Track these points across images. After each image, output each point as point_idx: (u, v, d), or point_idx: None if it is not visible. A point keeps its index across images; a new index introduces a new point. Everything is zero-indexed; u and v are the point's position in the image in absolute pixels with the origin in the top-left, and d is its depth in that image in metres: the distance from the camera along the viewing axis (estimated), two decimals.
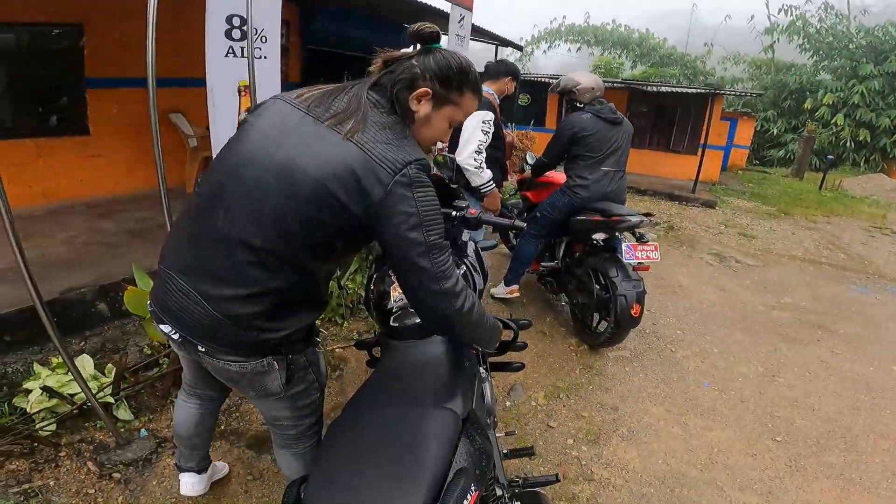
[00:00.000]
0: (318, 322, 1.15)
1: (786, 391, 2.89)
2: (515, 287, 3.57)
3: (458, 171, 2.49)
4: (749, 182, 10.65)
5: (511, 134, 5.19)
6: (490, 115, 2.48)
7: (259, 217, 0.91)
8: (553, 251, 3.51)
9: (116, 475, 1.89)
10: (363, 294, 2.16)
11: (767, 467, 2.24)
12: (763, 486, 2.13)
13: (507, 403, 2.67)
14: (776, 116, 15.87)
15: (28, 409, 2.05)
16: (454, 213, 1.48)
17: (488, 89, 2.70)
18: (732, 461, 2.26)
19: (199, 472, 1.65)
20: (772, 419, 2.60)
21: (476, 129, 2.39)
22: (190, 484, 1.64)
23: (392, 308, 1.44)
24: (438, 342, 1.30)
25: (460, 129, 2.44)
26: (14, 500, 1.68)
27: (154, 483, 1.89)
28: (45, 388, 2.06)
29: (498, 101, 2.82)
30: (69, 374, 1.86)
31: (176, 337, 1.07)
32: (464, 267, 1.49)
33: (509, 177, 3.54)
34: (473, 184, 2.58)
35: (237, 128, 1.05)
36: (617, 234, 2.91)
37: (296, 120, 0.95)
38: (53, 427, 2.02)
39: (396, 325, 1.42)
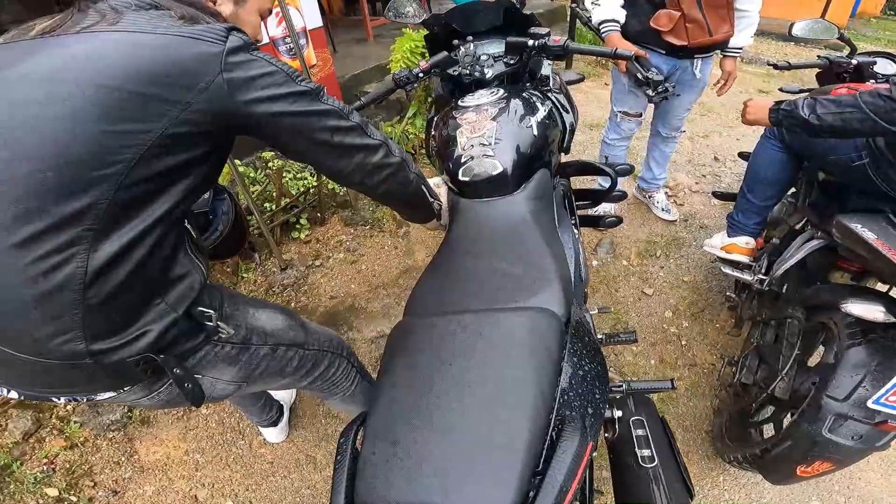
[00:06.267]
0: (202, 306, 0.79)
1: None
2: (745, 240, 1.71)
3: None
4: (885, 30, 8.87)
5: None
6: None
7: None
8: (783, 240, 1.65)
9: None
10: (424, 140, 1.92)
11: None
12: None
13: (594, 262, 2.33)
14: None
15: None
16: (531, 41, 1.20)
17: None
18: None
19: (272, 424, 1.61)
20: None
21: None
22: (272, 435, 1.66)
23: (461, 157, 1.08)
24: (522, 200, 0.98)
25: None
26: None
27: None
28: None
29: None
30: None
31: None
32: (549, 103, 1.21)
33: (662, 28, 1.97)
34: None
35: None
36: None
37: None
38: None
39: (467, 179, 1.06)
